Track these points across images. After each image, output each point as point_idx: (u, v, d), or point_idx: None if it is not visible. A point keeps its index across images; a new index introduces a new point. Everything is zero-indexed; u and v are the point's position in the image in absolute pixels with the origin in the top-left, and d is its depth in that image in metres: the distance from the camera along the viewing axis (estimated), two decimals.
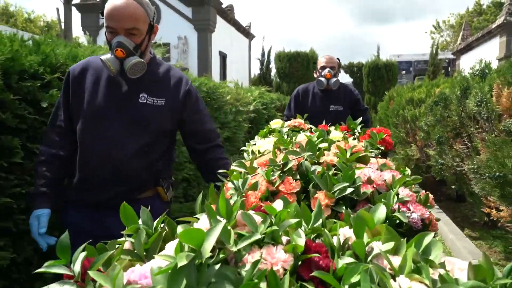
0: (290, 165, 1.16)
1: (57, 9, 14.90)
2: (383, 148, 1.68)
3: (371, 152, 1.49)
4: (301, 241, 0.68)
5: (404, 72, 23.64)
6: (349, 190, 1.00)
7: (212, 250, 0.63)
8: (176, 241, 0.71)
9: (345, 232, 0.75)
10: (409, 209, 0.97)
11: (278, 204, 0.85)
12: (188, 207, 3.25)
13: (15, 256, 1.57)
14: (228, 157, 1.76)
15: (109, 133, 1.50)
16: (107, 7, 1.47)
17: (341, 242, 0.71)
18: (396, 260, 0.65)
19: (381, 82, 14.51)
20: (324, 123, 2.23)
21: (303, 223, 0.79)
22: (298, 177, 1.15)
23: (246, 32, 18.77)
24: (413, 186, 1.16)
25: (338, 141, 1.64)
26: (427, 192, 1.12)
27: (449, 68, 21.77)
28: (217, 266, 0.61)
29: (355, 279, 0.60)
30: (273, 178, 1.12)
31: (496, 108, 2.57)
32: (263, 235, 0.69)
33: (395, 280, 0.61)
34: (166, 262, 0.64)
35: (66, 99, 1.57)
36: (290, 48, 15.83)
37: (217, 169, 1.54)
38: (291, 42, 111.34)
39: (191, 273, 0.59)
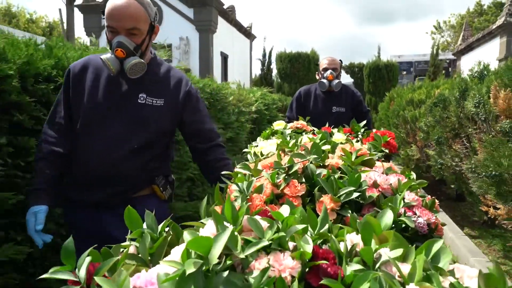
0: (295, 168, 1.15)
1: (60, 10, 14.96)
2: (387, 151, 1.67)
3: (375, 154, 1.48)
4: (308, 247, 0.68)
5: (405, 72, 23.68)
6: (355, 194, 1.00)
7: (219, 256, 0.62)
8: (182, 246, 0.71)
9: (352, 238, 0.74)
10: (415, 214, 0.97)
11: (284, 210, 0.83)
12: (192, 206, 3.30)
13: (32, 251, 1.63)
14: (229, 157, 1.76)
15: (107, 132, 1.50)
16: (108, 6, 1.46)
17: (349, 248, 0.70)
18: (405, 268, 0.64)
19: (382, 82, 14.55)
20: (326, 124, 2.25)
21: (309, 228, 0.78)
22: (303, 180, 1.15)
23: (247, 32, 18.82)
24: (418, 190, 1.16)
25: (341, 143, 1.64)
26: (433, 197, 1.12)
27: (450, 68, 21.81)
28: (225, 273, 0.61)
29: (364, 287, 0.59)
30: (278, 181, 1.11)
31: (493, 110, 2.64)
32: (270, 241, 0.68)
33: None
34: (173, 268, 0.63)
35: (66, 96, 1.57)
36: (291, 49, 15.92)
37: (219, 170, 1.56)
38: (292, 42, 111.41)
39: (199, 280, 0.59)
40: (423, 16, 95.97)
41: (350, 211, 0.98)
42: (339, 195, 1.00)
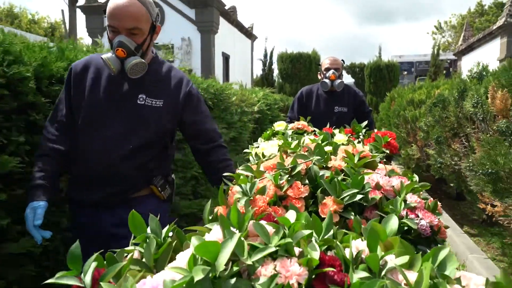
0: (298, 169, 1.15)
1: (62, 11, 15.06)
2: (388, 151, 1.66)
3: (376, 156, 1.47)
4: (316, 254, 0.67)
5: (405, 72, 23.72)
6: (359, 196, 0.99)
7: (226, 263, 0.62)
8: (188, 252, 0.70)
9: (358, 245, 0.73)
10: (418, 216, 0.96)
11: (291, 215, 0.82)
12: (197, 204, 3.37)
13: (48, 244, 1.71)
14: (231, 158, 1.75)
15: (107, 132, 1.51)
16: (109, 5, 1.46)
17: (354, 254, 0.70)
18: (411, 275, 0.63)
19: (383, 82, 14.58)
20: (328, 124, 2.25)
21: (314, 233, 0.78)
22: (306, 181, 1.14)
23: (248, 33, 18.87)
24: (421, 193, 1.15)
25: (343, 144, 1.64)
26: (435, 199, 1.11)
27: (451, 68, 21.84)
28: (233, 280, 0.61)
29: None
30: (281, 182, 1.11)
31: (491, 110, 2.70)
32: (277, 247, 0.68)
33: None
34: (178, 275, 0.63)
35: (67, 95, 1.57)
36: (292, 49, 15.94)
37: (221, 171, 1.57)
38: (293, 42, 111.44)
39: (207, 287, 0.58)
40: (424, 16, 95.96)
41: (353, 214, 0.97)
42: (342, 197, 1.00)
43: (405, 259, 0.67)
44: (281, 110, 7.41)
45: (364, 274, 0.65)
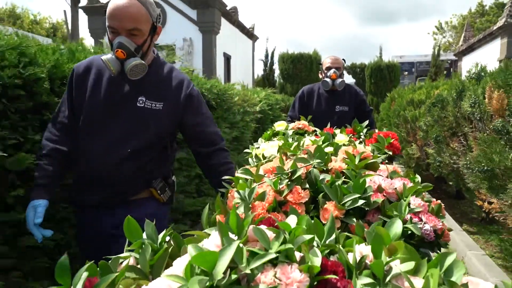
0: (298, 173, 1.12)
1: (65, 11, 15.13)
2: (390, 153, 1.65)
3: (378, 157, 1.45)
4: (317, 260, 0.65)
5: (406, 73, 23.75)
6: (361, 201, 0.97)
7: (224, 271, 0.60)
8: (184, 258, 0.69)
9: (362, 250, 0.71)
10: (421, 220, 0.94)
11: (291, 220, 0.81)
12: (201, 202, 3.44)
13: (60, 238, 1.78)
14: (232, 160, 1.72)
15: (107, 133, 1.51)
16: (109, 6, 1.44)
17: (357, 259, 0.68)
18: (417, 282, 0.61)
19: (383, 83, 14.63)
20: (329, 124, 2.23)
21: (316, 238, 0.76)
22: (306, 186, 1.12)
23: (249, 33, 18.93)
24: (424, 194, 1.13)
25: (344, 144, 1.63)
26: (438, 201, 1.09)
27: (451, 69, 21.88)
28: None
29: None
30: (281, 187, 1.08)
31: (487, 109, 2.78)
32: (277, 254, 0.66)
33: None
34: (175, 283, 0.61)
35: (70, 96, 1.57)
36: (293, 49, 16.06)
37: (221, 174, 1.55)
38: (294, 43, 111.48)
39: None
40: (425, 17, 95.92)
41: (354, 219, 0.95)
42: (343, 202, 0.98)
43: (410, 265, 0.65)
44: (282, 110, 7.49)
45: (368, 280, 0.63)
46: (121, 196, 1.53)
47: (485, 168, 2.28)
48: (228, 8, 15.54)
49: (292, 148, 1.46)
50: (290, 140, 1.80)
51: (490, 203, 2.56)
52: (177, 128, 1.68)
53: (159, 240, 0.80)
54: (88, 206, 1.56)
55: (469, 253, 3.41)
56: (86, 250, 1.63)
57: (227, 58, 16.22)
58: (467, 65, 15.23)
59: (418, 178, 1.21)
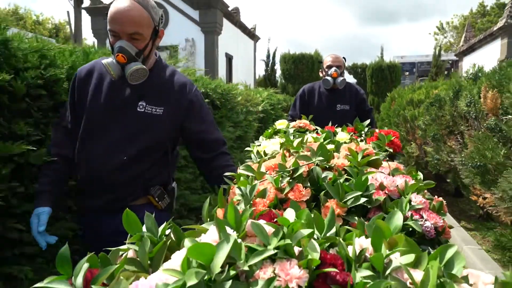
0: (300, 171, 1.11)
1: (68, 12, 15.27)
2: (391, 150, 1.65)
3: (380, 154, 1.43)
4: (316, 254, 0.65)
5: (407, 73, 23.86)
6: (363, 199, 0.97)
7: (222, 265, 0.60)
8: (183, 252, 0.68)
9: (362, 243, 0.71)
10: (422, 217, 0.94)
11: (289, 214, 0.80)
12: (205, 198, 3.53)
13: (78, 229, 1.88)
14: (234, 164, 1.68)
15: (107, 138, 1.49)
16: (111, 10, 1.43)
17: (357, 252, 0.68)
18: (417, 275, 0.61)
19: (384, 83, 14.70)
20: (330, 122, 2.22)
21: (316, 231, 0.75)
22: (308, 183, 1.11)
23: (251, 34, 19.02)
24: (425, 192, 1.13)
25: (345, 142, 1.62)
26: (440, 198, 1.10)
27: (452, 69, 21.96)
28: (228, 284, 0.58)
29: None
30: (282, 184, 1.07)
31: (482, 108, 2.89)
32: (276, 250, 0.65)
33: None
34: (173, 278, 0.61)
35: (72, 100, 1.57)
36: (295, 49, 16.16)
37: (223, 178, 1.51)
38: (295, 43, 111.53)
39: None
40: (426, 17, 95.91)
41: (356, 217, 0.95)
42: (345, 200, 0.97)
43: (410, 257, 0.65)
44: (284, 110, 7.59)
45: (368, 273, 0.63)
46: (122, 201, 1.51)
47: (478, 163, 2.39)
48: (230, 8, 15.64)
49: (295, 145, 1.46)
50: (291, 138, 1.76)
51: (484, 198, 2.67)
52: (179, 133, 1.65)
53: (159, 234, 0.80)
54: (89, 211, 1.56)
55: (466, 248, 3.51)
56: (88, 252, 1.69)
57: (229, 59, 16.32)
58: (468, 65, 15.31)
59: (420, 176, 1.20)
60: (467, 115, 3.17)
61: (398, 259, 0.65)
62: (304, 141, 1.53)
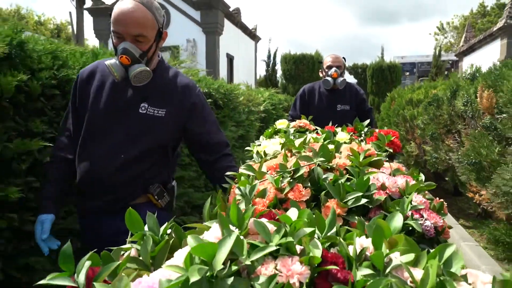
0: (301, 172, 1.11)
1: (70, 13, 15.35)
2: (391, 150, 1.64)
3: (380, 154, 1.43)
4: (318, 252, 0.66)
5: (407, 73, 23.92)
6: (363, 200, 0.97)
7: (224, 262, 0.61)
8: (185, 249, 0.69)
9: (362, 242, 0.71)
10: (422, 216, 0.94)
11: (292, 213, 0.81)
12: (209, 196, 3.63)
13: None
14: (236, 165, 1.67)
15: (108, 139, 1.49)
16: (115, 11, 1.41)
17: (358, 252, 0.69)
18: (416, 273, 0.62)
19: (385, 83, 14.71)
20: (331, 122, 2.22)
21: (317, 231, 0.76)
22: (308, 184, 1.11)
23: (252, 34, 19.08)
24: (426, 192, 1.13)
25: (345, 142, 1.62)
26: (436, 197, 1.11)
27: (453, 69, 22.02)
28: (230, 280, 0.59)
29: None
30: (283, 184, 1.08)
31: (479, 108, 2.96)
32: (278, 246, 0.66)
33: None
34: (175, 273, 0.61)
35: (74, 102, 1.56)
36: (295, 49, 16.21)
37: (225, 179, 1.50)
38: (295, 43, 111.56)
39: (203, 287, 0.57)
40: (426, 17, 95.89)
41: (356, 217, 0.95)
42: (346, 200, 0.98)
43: (410, 256, 0.66)
44: (285, 110, 7.66)
45: (368, 271, 0.64)
46: (122, 202, 1.50)
47: (474, 161, 2.47)
48: (231, 9, 15.70)
49: (297, 145, 1.46)
50: (291, 137, 1.77)
51: (481, 195, 2.74)
52: (181, 134, 1.64)
53: (161, 233, 0.81)
54: (89, 212, 1.55)
55: (463, 244, 3.57)
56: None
57: (230, 59, 16.38)
58: (468, 65, 15.34)
59: (422, 177, 1.21)
60: (464, 114, 3.25)
61: (398, 258, 0.66)
62: (306, 142, 1.53)
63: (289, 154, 1.36)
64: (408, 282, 0.62)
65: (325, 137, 1.68)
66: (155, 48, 1.51)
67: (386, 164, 1.29)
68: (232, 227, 0.72)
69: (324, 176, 1.12)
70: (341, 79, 3.20)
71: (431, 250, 0.71)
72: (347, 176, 1.14)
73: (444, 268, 0.64)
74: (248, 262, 0.62)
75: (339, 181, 1.03)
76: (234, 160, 1.73)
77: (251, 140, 4.82)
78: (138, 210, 1.54)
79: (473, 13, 32.93)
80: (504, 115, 2.42)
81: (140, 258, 0.75)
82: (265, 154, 1.57)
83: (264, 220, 0.74)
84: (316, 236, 0.75)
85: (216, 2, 14.01)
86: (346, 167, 1.19)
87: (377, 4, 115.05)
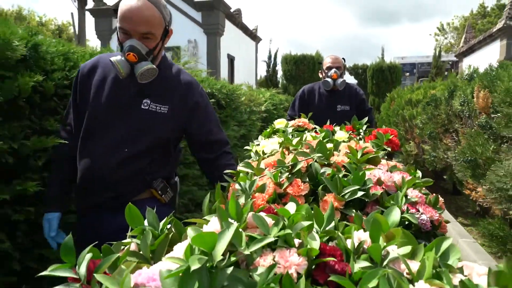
0: (299, 166, 1.13)
1: (72, 14, 15.44)
2: (389, 149, 1.64)
3: (378, 152, 1.43)
4: (315, 244, 0.67)
5: (408, 74, 23.98)
6: (360, 193, 0.98)
7: (223, 253, 0.62)
8: (185, 243, 0.70)
9: (360, 236, 0.72)
10: (418, 211, 0.95)
11: (291, 207, 0.82)
12: (213, 194, 3.71)
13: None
14: (235, 163, 1.66)
15: (109, 135, 1.47)
16: (122, 7, 1.38)
17: (356, 245, 0.70)
18: (413, 265, 0.63)
19: (385, 84, 14.72)
20: (330, 123, 2.23)
21: (315, 225, 0.77)
22: (307, 179, 1.12)
23: (253, 35, 19.14)
24: (422, 188, 1.14)
25: (344, 141, 1.62)
26: (437, 194, 1.11)
27: (453, 70, 22.09)
28: (229, 270, 0.60)
29: (372, 284, 0.58)
30: (281, 180, 1.09)
31: (475, 107, 3.04)
32: (276, 238, 0.67)
33: (413, 286, 0.59)
34: (175, 264, 0.62)
35: (75, 97, 1.55)
36: (296, 50, 16.26)
37: (223, 176, 1.48)
38: (295, 43, 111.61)
39: (203, 277, 0.58)
40: (427, 18, 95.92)
41: (354, 210, 0.96)
42: (343, 194, 0.99)
43: (407, 249, 0.66)
44: (286, 110, 7.74)
45: (366, 263, 0.65)
46: (123, 198, 1.48)
47: (469, 158, 2.55)
48: (232, 10, 15.74)
49: (294, 143, 1.46)
50: (290, 137, 1.76)
51: (477, 192, 2.81)
52: (182, 132, 1.64)
53: (160, 227, 0.81)
54: (90, 209, 1.54)
55: (461, 241, 3.65)
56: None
57: (231, 60, 16.43)
58: (468, 66, 15.39)
59: (419, 174, 1.21)
60: (461, 113, 3.33)
61: (395, 250, 0.67)
62: (303, 140, 1.53)
63: (286, 152, 1.36)
64: (405, 274, 0.63)
65: (324, 135, 1.68)
66: (161, 46, 1.50)
67: (383, 162, 1.30)
68: (230, 220, 0.73)
69: (321, 171, 1.13)
70: (340, 80, 3.22)
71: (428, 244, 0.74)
72: (344, 172, 1.15)
73: (441, 261, 0.65)
74: (247, 252, 0.63)
75: (336, 175, 1.05)
76: (234, 159, 1.74)
77: (252, 139, 4.89)
78: (142, 205, 1.46)
79: (473, 13, 32.99)
80: (499, 114, 2.50)
81: (140, 252, 0.76)
82: (264, 153, 1.58)
83: (262, 214, 0.75)
84: (314, 230, 0.75)
85: (217, 3, 14.07)
86: (344, 164, 1.20)
87: (377, 4, 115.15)
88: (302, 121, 2.18)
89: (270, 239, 0.66)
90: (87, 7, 14.67)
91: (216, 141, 1.67)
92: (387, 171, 1.19)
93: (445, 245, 0.68)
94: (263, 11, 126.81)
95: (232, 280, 0.59)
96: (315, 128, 2.14)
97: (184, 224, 0.85)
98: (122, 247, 0.80)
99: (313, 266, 0.66)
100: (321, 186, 1.06)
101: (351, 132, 2.01)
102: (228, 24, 15.50)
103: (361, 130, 2.06)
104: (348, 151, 1.29)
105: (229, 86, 4.26)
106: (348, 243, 0.70)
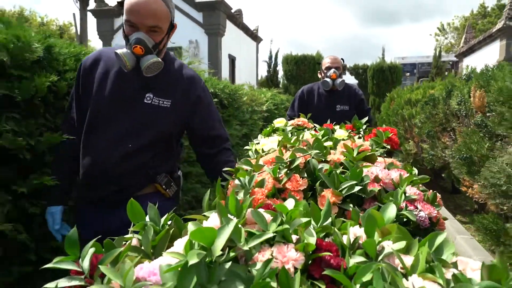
0: (297, 162, 1.14)
1: (74, 14, 15.52)
2: (388, 147, 1.65)
3: (376, 150, 1.46)
4: (312, 239, 0.68)
5: (408, 74, 24.02)
6: (357, 188, 0.99)
7: (222, 249, 0.63)
8: (185, 238, 0.71)
9: (356, 231, 0.74)
10: (417, 208, 0.95)
11: (289, 203, 0.83)
12: (213, 190, 3.79)
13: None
14: (234, 160, 1.67)
15: (112, 129, 1.47)
16: (129, 0, 1.39)
17: (351, 241, 0.71)
18: (408, 260, 0.64)
19: (385, 84, 14.74)
20: (330, 122, 2.22)
21: (312, 221, 0.78)
22: (305, 175, 1.13)
23: (254, 35, 19.19)
24: (420, 186, 1.15)
25: (343, 139, 1.63)
26: (434, 191, 1.12)
27: (453, 70, 22.14)
28: (228, 265, 0.61)
29: (366, 278, 0.59)
30: (280, 175, 1.10)
31: (472, 107, 3.12)
32: (274, 234, 0.68)
33: (407, 280, 0.60)
34: (175, 259, 0.63)
35: (77, 91, 1.55)
36: (296, 50, 16.32)
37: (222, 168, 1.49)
38: (295, 43, 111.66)
39: (201, 271, 0.59)
40: (427, 18, 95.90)
41: (351, 206, 0.97)
42: (340, 189, 0.99)
43: (402, 244, 0.67)
44: (286, 110, 7.85)
45: (361, 258, 0.66)
46: (125, 193, 1.48)
47: (465, 155, 2.63)
48: (233, 10, 15.79)
49: (292, 141, 1.47)
50: (289, 135, 1.79)
51: (474, 189, 2.89)
52: (184, 127, 1.65)
53: (162, 223, 0.82)
54: (92, 204, 1.54)
55: (459, 237, 3.71)
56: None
57: (232, 60, 16.48)
58: (468, 66, 15.45)
59: (415, 171, 1.22)
60: (458, 113, 3.42)
61: (390, 246, 0.68)
62: (301, 138, 1.54)
63: (284, 150, 1.37)
64: (399, 269, 0.64)
65: (323, 134, 1.69)
66: (167, 40, 1.51)
67: (381, 159, 1.32)
68: (230, 217, 0.74)
69: (319, 167, 1.14)
70: (340, 80, 3.23)
71: None
72: (341, 168, 1.17)
73: (435, 255, 0.66)
74: (246, 248, 0.64)
75: (334, 171, 1.06)
76: (233, 156, 1.74)
77: (254, 138, 4.96)
78: (146, 200, 1.44)
79: (473, 14, 33.03)
80: (494, 113, 2.58)
81: (142, 247, 0.77)
82: (263, 151, 1.58)
83: (261, 210, 0.76)
84: (311, 226, 0.76)
85: (218, 3, 14.12)
86: (341, 161, 1.21)
87: (378, 4, 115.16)
88: (302, 120, 2.19)
89: (269, 235, 0.67)
90: (89, 8, 14.77)
91: (218, 136, 1.68)
92: (384, 168, 1.20)
93: (439, 240, 0.68)
94: (264, 12, 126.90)
95: (230, 275, 0.60)
96: (314, 127, 2.15)
97: (185, 220, 0.86)
98: (124, 242, 0.81)
99: (310, 261, 0.67)
100: (319, 181, 1.07)
101: (351, 131, 2.02)
102: (229, 25, 15.56)
103: (361, 129, 2.08)
104: (344, 150, 1.31)
105: (232, 86, 4.33)
106: (344, 238, 0.71)
